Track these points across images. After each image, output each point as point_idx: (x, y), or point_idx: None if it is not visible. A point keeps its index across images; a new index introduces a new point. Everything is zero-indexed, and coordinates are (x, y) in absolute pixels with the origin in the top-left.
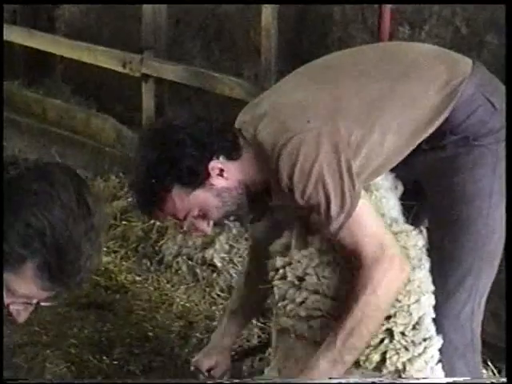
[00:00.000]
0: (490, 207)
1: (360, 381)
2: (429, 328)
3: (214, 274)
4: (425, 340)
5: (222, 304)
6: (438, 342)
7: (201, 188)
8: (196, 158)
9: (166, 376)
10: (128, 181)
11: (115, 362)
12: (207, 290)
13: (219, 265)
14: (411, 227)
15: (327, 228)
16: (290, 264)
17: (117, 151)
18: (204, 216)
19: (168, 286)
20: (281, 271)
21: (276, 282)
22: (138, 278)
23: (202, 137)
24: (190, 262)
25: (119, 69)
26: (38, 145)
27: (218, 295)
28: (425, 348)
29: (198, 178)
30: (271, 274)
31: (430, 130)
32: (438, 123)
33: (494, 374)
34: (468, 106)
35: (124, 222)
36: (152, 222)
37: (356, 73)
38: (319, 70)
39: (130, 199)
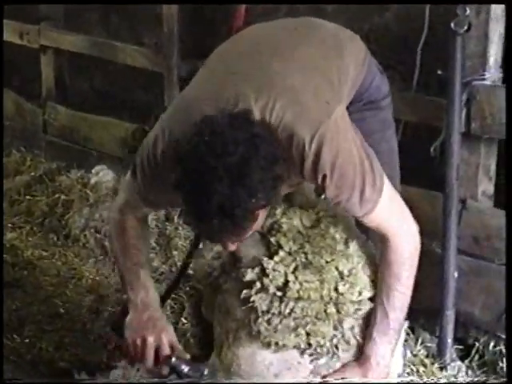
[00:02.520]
0: (398, 164)
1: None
2: None
3: None
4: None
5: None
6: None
7: None
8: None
9: (80, 351)
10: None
11: (26, 341)
12: None
13: None
14: None
15: (360, 210)
16: (265, 275)
17: (17, 124)
18: None
19: (76, 260)
20: (257, 284)
21: (254, 298)
22: (44, 254)
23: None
24: (97, 235)
25: (16, 40)
26: None
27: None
28: None
29: None
30: (245, 291)
31: (349, 100)
32: (353, 93)
33: (408, 334)
34: (369, 75)
35: (28, 197)
36: (56, 195)
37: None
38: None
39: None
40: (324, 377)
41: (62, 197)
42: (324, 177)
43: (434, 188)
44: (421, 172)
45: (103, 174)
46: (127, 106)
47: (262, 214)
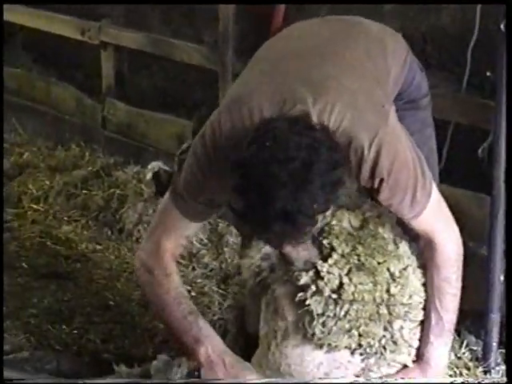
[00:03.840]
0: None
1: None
2: None
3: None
4: None
5: (182, 271)
6: None
7: None
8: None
9: (126, 344)
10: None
11: (75, 332)
12: None
13: None
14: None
15: (410, 212)
16: (320, 278)
17: (77, 120)
18: None
19: (129, 254)
20: (312, 287)
21: (310, 301)
22: (98, 247)
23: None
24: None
25: (78, 37)
26: None
27: (179, 262)
28: None
29: None
30: (300, 294)
31: (392, 99)
32: (396, 93)
33: (454, 337)
34: (410, 74)
35: (84, 191)
36: (112, 190)
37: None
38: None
39: (90, 169)
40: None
41: (118, 192)
42: (381, 181)
43: (482, 190)
44: (469, 174)
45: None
46: (184, 103)
47: (321, 218)
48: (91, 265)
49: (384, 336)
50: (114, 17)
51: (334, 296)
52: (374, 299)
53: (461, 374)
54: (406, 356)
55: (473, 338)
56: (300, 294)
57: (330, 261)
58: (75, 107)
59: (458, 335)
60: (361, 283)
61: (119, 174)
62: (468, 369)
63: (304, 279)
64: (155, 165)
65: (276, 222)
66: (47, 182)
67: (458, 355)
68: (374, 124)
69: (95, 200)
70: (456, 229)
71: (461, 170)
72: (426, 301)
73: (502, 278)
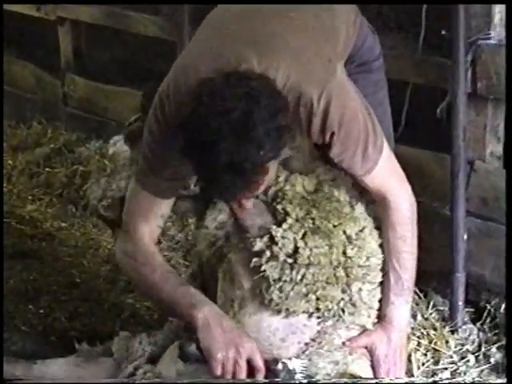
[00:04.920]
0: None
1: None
2: None
3: None
4: None
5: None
6: None
7: None
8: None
9: (93, 321)
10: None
11: (41, 311)
12: None
13: None
14: None
15: (361, 168)
16: (274, 243)
17: (38, 97)
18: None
19: (94, 230)
20: (267, 253)
21: (265, 266)
22: (63, 225)
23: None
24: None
25: (34, 13)
26: None
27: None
28: None
29: None
30: (255, 260)
31: (343, 60)
32: (347, 54)
33: (420, 298)
34: (361, 36)
35: (47, 169)
36: (75, 166)
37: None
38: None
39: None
40: (344, 343)
41: (81, 168)
42: (332, 134)
43: (442, 150)
44: (430, 134)
45: (121, 145)
46: (145, 75)
47: (272, 166)
48: (57, 243)
49: (342, 299)
50: None
51: (290, 260)
52: (331, 262)
53: (428, 335)
54: (366, 318)
55: (439, 299)
56: (255, 260)
57: (285, 225)
58: (35, 84)
59: (425, 296)
60: (316, 246)
61: (82, 150)
62: (435, 329)
63: (258, 245)
64: (117, 139)
65: (225, 175)
66: (10, 162)
67: (425, 316)
68: (321, 78)
69: (58, 177)
70: (408, 187)
71: (421, 131)
72: (383, 262)
73: (465, 236)
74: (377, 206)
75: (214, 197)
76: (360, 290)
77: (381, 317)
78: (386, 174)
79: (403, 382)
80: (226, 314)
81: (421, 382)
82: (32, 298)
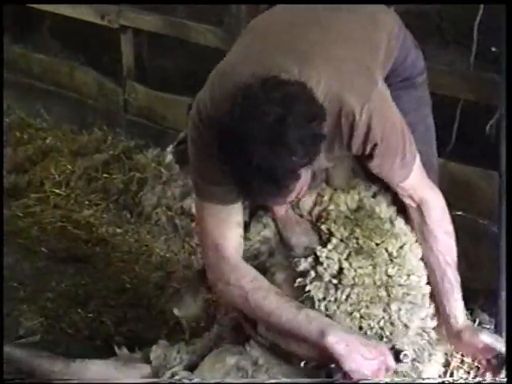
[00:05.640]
0: (435, 143)
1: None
2: None
3: (193, 224)
4: None
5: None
6: None
7: None
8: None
9: (140, 327)
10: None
11: (90, 315)
12: (186, 239)
13: None
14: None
15: (399, 176)
16: (319, 263)
17: (99, 104)
18: None
19: (148, 237)
20: (311, 273)
21: (310, 287)
22: (118, 230)
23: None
24: (169, 213)
25: (98, 21)
26: (24, 100)
27: (198, 244)
28: None
29: None
30: (299, 280)
31: (385, 74)
32: (389, 67)
33: (466, 316)
34: (403, 50)
35: (105, 175)
36: (132, 173)
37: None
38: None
39: (111, 152)
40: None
41: (137, 175)
42: (374, 146)
43: (490, 167)
44: (479, 151)
45: None
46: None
47: (304, 174)
48: (110, 248)
49: (383, 317)
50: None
51: (335, 281)
52: (374, 282)
53: None
54: (402, 336)
55: (486, 317)
56: (299, 280)
57: (329, 246)
58: (97, 91)
59: (471, 314)
60: (360, 267)
61: (139, 157)
62: None
63: (303, 265)
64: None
65: (256, 179)
66: (69, 167)
67: None
68: (364, 88)
69: (115, 183)
70: (438, 189)
71: (471, 147)
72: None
73: None
74: (413, 212)
75: (245, 200)
76: (399, 309)
77: (448, 320)
78: (420, 177)
79: (411, 381)
80: None
81: (428, 382)
82: (82, 302)
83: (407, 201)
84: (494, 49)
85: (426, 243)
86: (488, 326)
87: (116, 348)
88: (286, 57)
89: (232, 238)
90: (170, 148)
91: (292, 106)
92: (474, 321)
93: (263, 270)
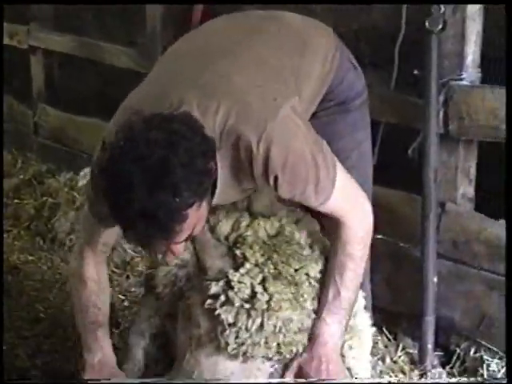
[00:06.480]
0: (370, 168)
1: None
2: None
3: None
4: None
5: (116, 280)
6: None
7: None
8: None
9: (55, 360)
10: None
11: (4, 348)
12: None
13: None
14: None
15: (316, 201)
16: (230, 288)
17: (9, 126)
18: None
19: (61, 264)
20: (222, 297)
21: (220, 311)
22: (30, 258)
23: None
24: None
25: (7, 41)
26: None
27: (113, 271)
28: None
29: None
30: (209, 301)
31: (319, 99)
32: (323, 91)
33: (389, 340)
34: (340, 72)
35: (16, 201)
36: (44, 198)
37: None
38: (210, 46)
39: (22, 177)
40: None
41: (50, 200)
42: (276, 178)
43: (413, 191)
44: (401, 174)
45: None
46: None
47: (194, 212)
48: (22, 276)
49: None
50: (43, 20)
51: (247, 306)
52: (303, 308)
53: (396, 377)
54: None
55: (409, 341)
56: (209, 302)
57: (242, 270)
58: (7, 113)
59: (395, 338)
60: (278, 292)
61: (51, 182)
62: (404, 373)
63: (214, 288)
64: (87, 171)
65: (138, 223)
66: None
67: (394, 359)
68: (261, 119)
69: (26, 209)
70: (367, 208)
71: (393, 171)
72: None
73: (435, 279)
74: (330, 225)
75: (131, 243)
76: None
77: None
78: (341, 200)
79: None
80: (185, 352)
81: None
82: None
83: (328, 215)
84: (416, 72)
85: (332, 257)
86: (411, 351)
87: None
88: (189, 90)
89: (97, 254)
90: (83, 172)
91: (175, 144)
92: (398, 345)
93: (180, 295)
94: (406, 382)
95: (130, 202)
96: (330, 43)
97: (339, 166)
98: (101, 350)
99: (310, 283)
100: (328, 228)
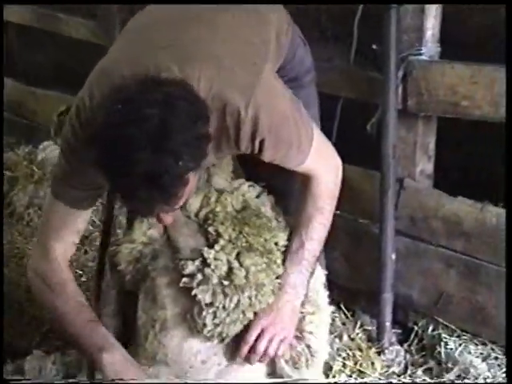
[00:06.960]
0: None
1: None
2: None
3: None
4: None
5: (74, 255)
6: None
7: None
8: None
9: (11, 334)
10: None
11: None
12: None
13: None
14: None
15: (295, 162)
16: (207, 265)
17: None
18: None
19: (19, 238)
20: (199, 276)
21: (196, 291)
22: None
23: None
24: (41, 213)
25: None
26: None
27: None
28: None
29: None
30: (185, 280)
31: (275, 69)
32: (278, 65)
33: (347, 317)
34: (292, 47)
35: None
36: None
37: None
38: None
39: None
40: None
41: (8, 173)
42: (262, 141)
43: (372, 167)
44: (359, 150)
45: (50, 150)
46: (76, 79)
47: (192, 177)
48: None
49: None
50: None
51: (226, 282)
52: (274, 273)
53: (354, 356)
54: None
55: (367, 318)
56: (184, 280)
57: (217, 247)
58: None
59: (352, 315)
60: (253, 264)
61: (10, 155)
62: (361, 350)
63: (190, 268)
64: (47, 144)
65: (141, 188)
66: None
67: (352, 336)
68: (247, 84)
69: None
70: (336, 161)
71: (351, 147)
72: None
73: (393, 256)
74: (302, 180)
75: (130, 211)
76: None
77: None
78: (316, 158)
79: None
80: (147, 334)
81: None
82: None
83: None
84: (374, 46)
85: (301, 211)
86: (369, 328)
87: None
88: (165, 55)
89: (66, 242)
90: (42, 145)
91: (174, 106)
92: (356, 323)
93: (144, 273)
94: (406, 382)
95: (134, 165)
96: (283, 17)
97: (314, 124)
98: (115, 348)
99: (278, 250)
100: (300, 186)
